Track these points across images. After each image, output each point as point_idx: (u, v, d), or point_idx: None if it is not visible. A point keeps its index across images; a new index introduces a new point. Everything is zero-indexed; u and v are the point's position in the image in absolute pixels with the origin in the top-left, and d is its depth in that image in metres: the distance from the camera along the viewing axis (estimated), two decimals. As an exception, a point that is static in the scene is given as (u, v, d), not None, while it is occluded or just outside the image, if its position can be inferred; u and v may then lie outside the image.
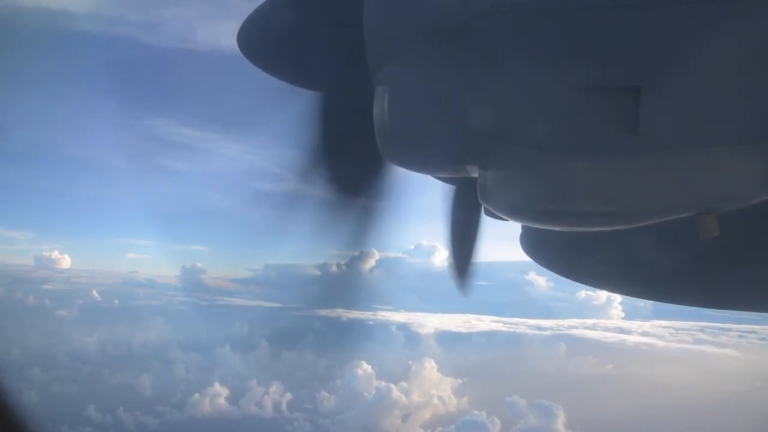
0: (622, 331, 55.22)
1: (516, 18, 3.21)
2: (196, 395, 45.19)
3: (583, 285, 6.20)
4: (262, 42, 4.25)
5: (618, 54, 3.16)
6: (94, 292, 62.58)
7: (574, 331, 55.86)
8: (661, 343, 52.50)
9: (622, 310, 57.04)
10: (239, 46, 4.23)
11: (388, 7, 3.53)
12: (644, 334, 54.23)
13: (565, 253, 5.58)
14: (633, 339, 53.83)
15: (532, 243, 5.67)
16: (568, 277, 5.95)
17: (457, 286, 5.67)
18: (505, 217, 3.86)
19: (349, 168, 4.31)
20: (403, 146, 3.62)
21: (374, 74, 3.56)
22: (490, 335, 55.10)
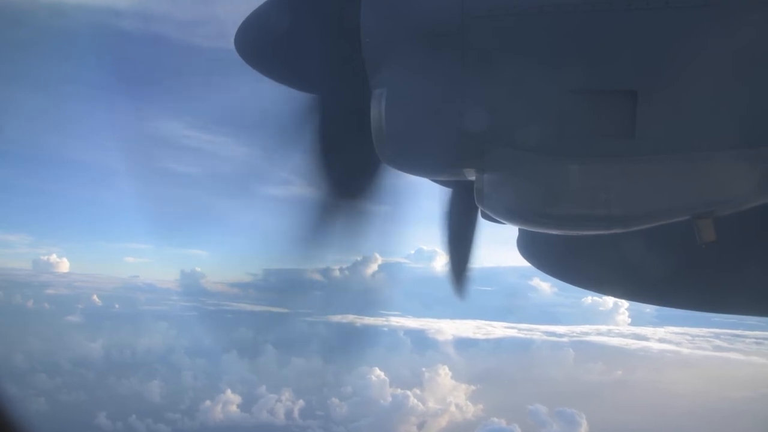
0: (638, 337, 54.93)
1: (512, 22, 3.22)
2: (207, 402, 45.26)
3: (579, 288, 6.19)
4: (259, 44, 4.27)
5: (614, 58, 3.16)
6: (95, 296, 63.02)
7: (589, 338, 55.64)
8: (685, 350, 52.24)
9: (628, 316, 56.85)
10: (236, 48, 4.25)
11: (386, 10, 3.53)
12: (661, 340, 53.98)
13: (561, 256, 5.57)
14: (656, 346, 53.54)
15: (528, 246, 5.67)
16: (564, 281, 5.94)
17: (455, 290, 5.65)
18: (501, 221, 3.85)
19: (346, 171, 4.31)
20: (400, 149, 3.63)
21: (372, 77, 3.58)
22: (503, 341, 54.89)
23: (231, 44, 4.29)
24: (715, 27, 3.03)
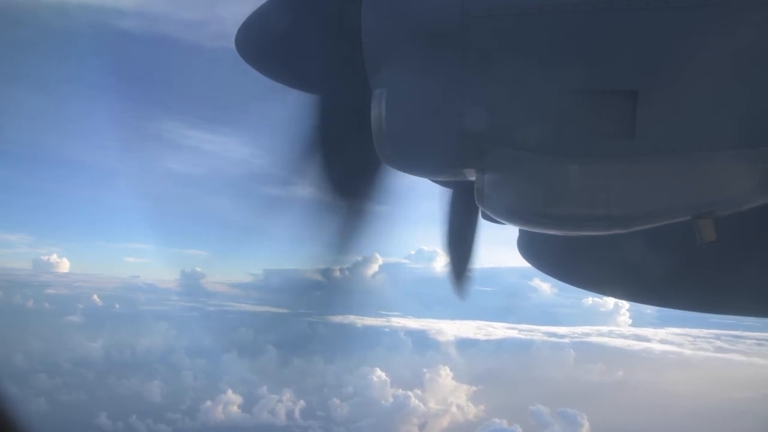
0: (640, 338, 54.86)
1: (512, 22, 3.22)
2: (208, 402, 45.25)
3: (580, 289, 6.19)
4: (260, 44, 4.27)
5: (614, 58, 3.16)
6: (95, 296, 62.93)
7: (590, 339, 55.58)
8: (687, 352, 52.13)
9: (629, 317, 56.78)
10: (237, 48, 4.25)
11: (386, 10, 3.53)
12: (663, 341, 53.91)
13: (561, 256, 5.57)
14: (658, 347, 53.46)
15: (528, 247, 5.67)
16: (564, 281, 5.94)
17: (455, 290, 5.65)
18: (502, 221, 3.85)
19: (346, 171, 4.30)
20: (400, 149, 3.62)
21: (372, 77, 3.57)
22: (504, 342, 54.86)
23: (231, 44, 4.30)
24: (715, 27, 3.02)
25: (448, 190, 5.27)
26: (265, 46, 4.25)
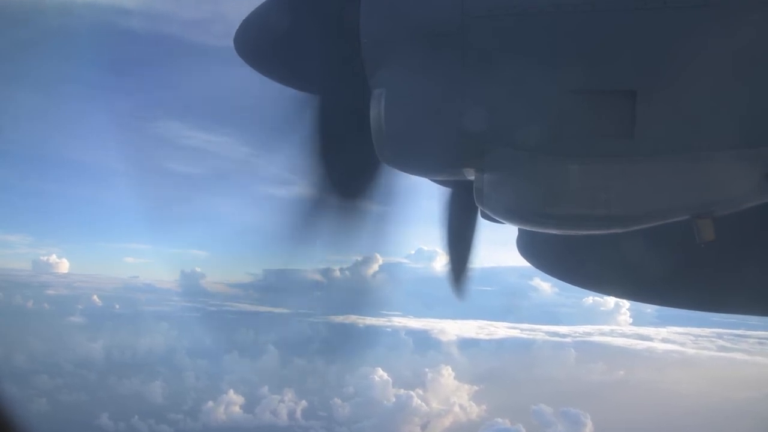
0: (642, 337, 54.76)
1: (512, 22, 3.22)
2: (210, 403, 45.26)
3: (578, 287, 6.19)
4: (259, 44, 4.27)
5: (614, 58, 3.16)
6: (95, 297, 62.77)
7: (592, 338, 55.50)
8: (690, 351, 52.06)
9: (630, 316, 56.70)
10: (236, 48, 4.26)
11: (386, 10, 3.53)
12: (665, 340, 53.83)
13: (561, 256, 5.58)
14: (661, 346, 53.38)
15: (528, 246, 5.67)
16: (564, 280, 5.95)
17: (455, 290, 5.66)
18: (501, 220, 3.86)
19: (345, 171, 4.31)
20: (399, 149, 3.63)
21: (371, 77, 3.58)
22: (506, 342, 54.82)
23: (231, 44, 4.30)
24: (715, 27, 3.02)
25: (448, 189, 5.27)
26: (264, 45, 4.25)
